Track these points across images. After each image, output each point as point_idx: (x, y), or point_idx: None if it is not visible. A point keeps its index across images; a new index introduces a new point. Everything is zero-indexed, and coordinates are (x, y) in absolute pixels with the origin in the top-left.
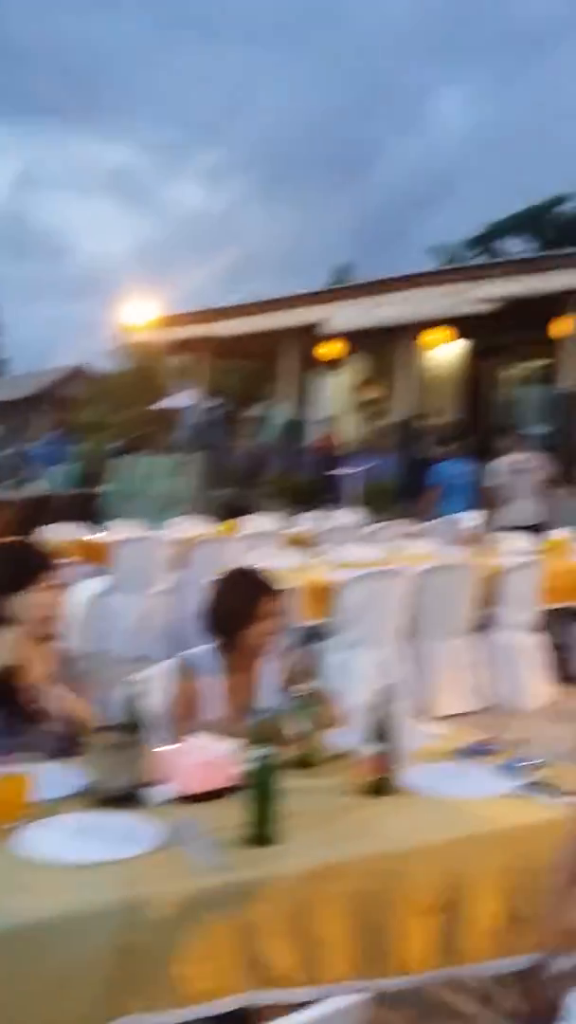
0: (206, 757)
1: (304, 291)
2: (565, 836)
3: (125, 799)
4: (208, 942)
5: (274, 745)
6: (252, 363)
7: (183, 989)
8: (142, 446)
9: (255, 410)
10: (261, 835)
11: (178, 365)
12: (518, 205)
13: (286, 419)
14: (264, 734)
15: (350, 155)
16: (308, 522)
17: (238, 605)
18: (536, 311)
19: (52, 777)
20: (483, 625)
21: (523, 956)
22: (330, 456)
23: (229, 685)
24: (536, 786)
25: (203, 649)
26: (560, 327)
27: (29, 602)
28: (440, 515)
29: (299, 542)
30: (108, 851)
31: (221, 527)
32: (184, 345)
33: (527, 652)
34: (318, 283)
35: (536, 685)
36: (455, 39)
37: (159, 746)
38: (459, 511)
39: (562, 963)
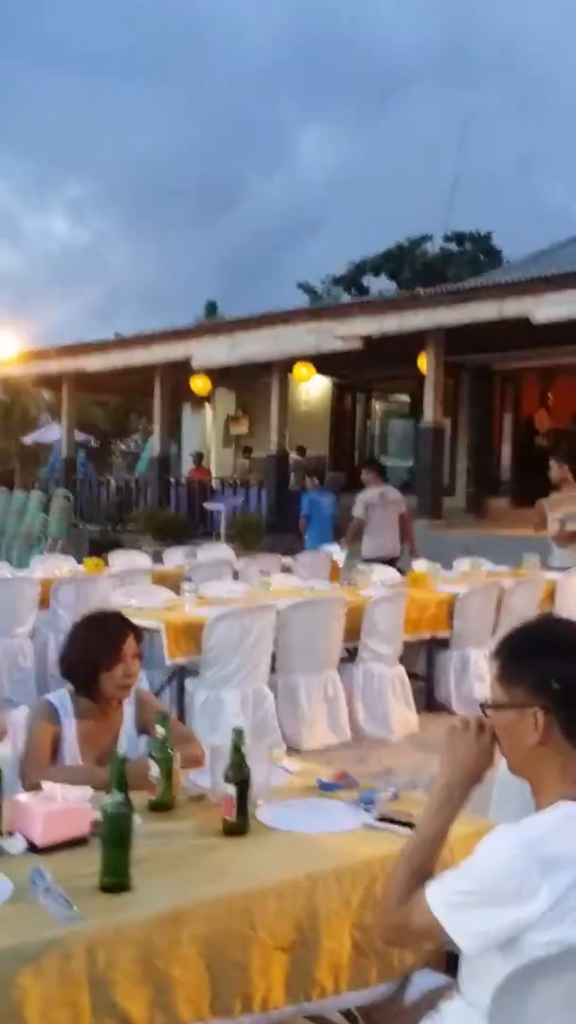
0: (60, 806)
1: (173, 327)
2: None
3: None
4: (63, 992)
5: (131, 789)
6: (121, 398)
7: None
8: (9, 482)
9: (125, 445)
10: (114, 882)
11: (46, 400)
12: (384, 243)
13: (156, 454)
14: (119, 779)
15: (216, 190)
16: (178, 557)
17: (94, 650)
18: (399, 348)
19: None
20: (349, 658)
21: (376, 987)
22: (201, 490)
23: (87, 729)
24: (388, 820)
25: (60, 693)
26: (422, 364)
27: None
28: (304, 544)
29: (168, 578)
30: None
31: (88, 564)
32: (51, 380)
33: (392, 683)
34: (186, 318)
35: (401, 715)
36: (316, 78)
37: (14, 794)
38: (322, 540)
39: (412, 994)
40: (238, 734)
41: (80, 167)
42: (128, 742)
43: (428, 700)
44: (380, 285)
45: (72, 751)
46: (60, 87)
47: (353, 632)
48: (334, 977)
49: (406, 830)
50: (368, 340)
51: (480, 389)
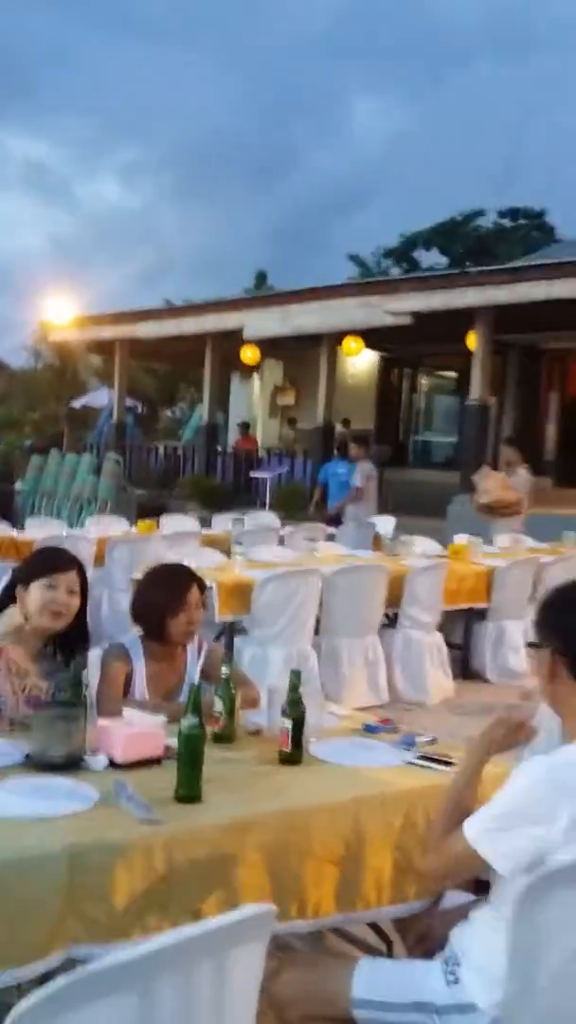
0: (139, 729)
1: (224, 297)
2: (445, 792)
3: (66, 765)
4: (142, 883)
5: (201, 718)
6: (171, 365)
7: (122, 923)
8: (59, 444)
9: (173, 412)
10: (187, 794)
11: (96, 364)
12: (436, 216)
13: (204, 422)
14: (196, 705)
15: (269, 159)
16: (225, 523)
17: (163, 597)
18: (448, 324)
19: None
20: (390, 624)
21: (413, 904)
22: (247, 459)
23: (155, 670)
24: (427, 758)
25: (131, 637)
26: (470, 341)
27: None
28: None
29: (216, 542)
30: (54, 807)
31: (141, 526)
32: (104, 345)
33: (430, 650)
34: (236, 286)
35: (437, 681)
36: (373, 47)
37: (96, 720)
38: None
39: (445, 905)
40: (295, 675)
41: (134, 133)
42: (192, 683)
43: (464, 668)
44: (431, 259)
45: (141, 688)
46: (118, 53)
47: (394, 599)
48: (377, 891)
49: (444, 767)
50: (417, 316)
51: (528, 368)
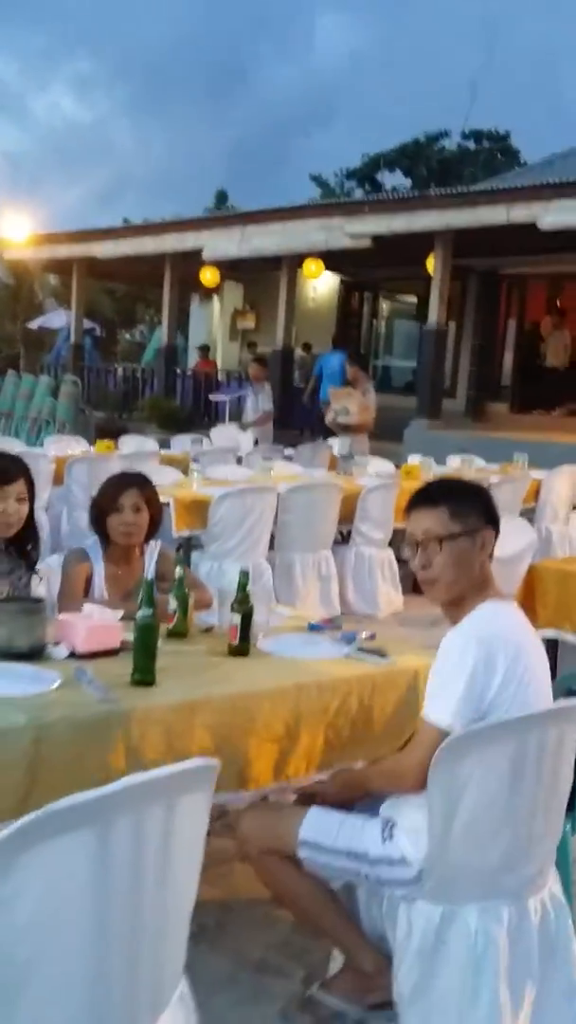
0: (98, 621)
1: (184, 216)
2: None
3: (30, 655)
4: (102, 756)
5: (154, 609)
6: (129, 287)
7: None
8: (15, 365)
9: (132, 334)
10: (142, 679)
11: (51, 285)
12: (400, 136)
13: (163, 344)
14: (149, 597)
15: (229, 73)
16: (184, 444)
17: (103, 498)
18: (408, 248)
19: None
20: (343, 540)
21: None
22: (206, 382)
23: (113, 572)
24: (365, 651)
25: (91, 541)
26: (430, 265)
27: None
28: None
29: (175, 462)
30: (19, 688)
31: (99, 446)
32: (60, 264)
33: (381, 565)
34: (196, 205)
35: (387, 595)
36: None
37: (59, 614)
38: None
39: None
40: (244, 574)
41: (88, 42)
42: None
43: (414, 583)
44: (395, 181)
45: (100, 589)
46: None
47: (347, 517)
48: (307, 763)
49: (379, 659)
50: (377, 239)
51: (487, 293)
